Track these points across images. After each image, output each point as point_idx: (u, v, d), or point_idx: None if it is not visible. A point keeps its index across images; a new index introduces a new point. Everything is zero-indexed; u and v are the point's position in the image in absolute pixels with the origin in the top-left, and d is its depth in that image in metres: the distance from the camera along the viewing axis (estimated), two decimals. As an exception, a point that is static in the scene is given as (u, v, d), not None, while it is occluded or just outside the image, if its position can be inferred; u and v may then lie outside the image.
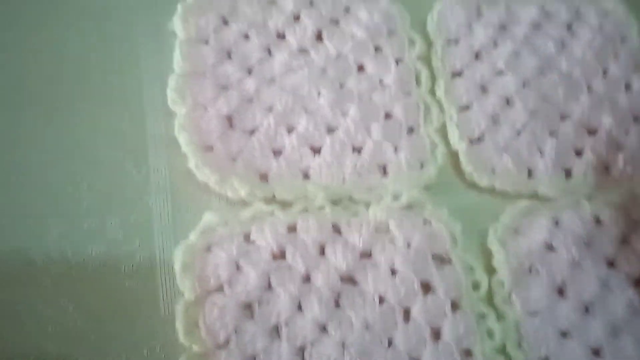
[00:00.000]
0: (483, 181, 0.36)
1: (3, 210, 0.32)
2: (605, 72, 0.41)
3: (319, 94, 0.37)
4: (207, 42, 0.38)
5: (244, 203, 0.33)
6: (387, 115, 0.38)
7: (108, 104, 0.36)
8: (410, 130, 0.37)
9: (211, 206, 0.33)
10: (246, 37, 0.39)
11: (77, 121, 0.35)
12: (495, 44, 0.41)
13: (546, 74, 0.40)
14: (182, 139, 0.34)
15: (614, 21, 0.44)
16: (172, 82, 0.36)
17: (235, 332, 0.30)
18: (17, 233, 0.31)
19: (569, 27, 0.43)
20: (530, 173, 0.37)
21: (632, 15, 0.44)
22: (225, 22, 0.39)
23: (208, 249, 0.32)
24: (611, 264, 0.34)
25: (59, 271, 0.31)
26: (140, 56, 0.38)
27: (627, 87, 0.41)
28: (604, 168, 0.38)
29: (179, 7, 0.38)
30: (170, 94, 0.36)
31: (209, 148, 0.34)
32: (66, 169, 0.33)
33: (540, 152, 0.38)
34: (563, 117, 0.39)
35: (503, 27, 0.42)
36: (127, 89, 0.36)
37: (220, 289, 0.31)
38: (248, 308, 0.31)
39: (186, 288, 0.30)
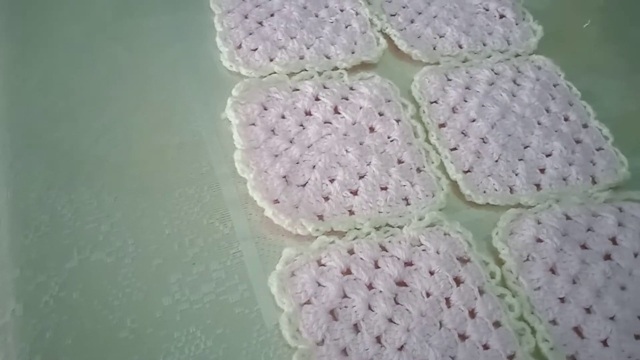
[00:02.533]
0: (479, 200, 0.48)
1: (133, 271, 0.41)
2: (548, 110, 0.55)
3: (347, 151, 0.49)
4: (255, 124, 0.49)
5: (310, 238, 0.44)
6: (400, 161, 0.49)
7: (190, 182, 0.46)
8: (419, 170, 0.49)
9: (285, 244, 0.44)
10: (283, 117, 0.50)
11: (169, 198, 0.45)
12: (465, 100, 0.55)
13: (506, 116, 0.54)
14: (256, 196, 0.44)
15: (546, 72, 0.59)
16: (237, 156, 0.47)
17: (328, 331, 0.39)
18: (146, 286, 0.40)
19: (514, 81, 0.57)
20: (511, 189, 0.49)
21: (558, 67, 0.59)
22: (265, 107, 0.51)
23: (292, 274, 0.41)
24: (584, 246, 0.46)
25: (183, 308, 0.40)
26: (205, 141, 0.48)
27: (566, 118, 0.55)
28: (562, 179, 0.51)
29: (229, 100, 0.50)
30: (238, 164, 0.46)
31: (276, 201, 0.45)
32: (170, 232, 0.43)
33: (515, 174, 0.50)
34: (525, 146, 0.52)
35: (468, 87, 0.56)
36: (201, 168, 0.47)
37: (309, 301, 0.40)
38: (332, 313, 0.40)
39: (285, 304, 0.40)
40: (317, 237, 0.44)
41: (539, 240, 0.46)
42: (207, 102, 0.51)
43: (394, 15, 0.61)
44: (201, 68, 0.54)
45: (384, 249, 0.44)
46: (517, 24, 0.62)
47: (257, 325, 0.40)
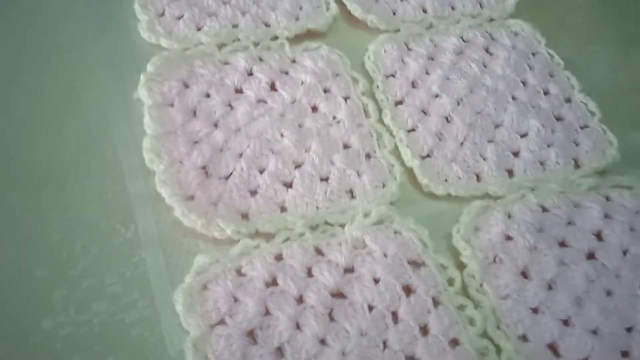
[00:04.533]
0: (439, 190, 0.41)
1: (8, 285, 0.33)
2: (524, 83, 0.47)
3: (282, 135, 0.41)
4: (172, 105, 0.41)
5: (230, 241, 0.36)
6: (346, 146, 0.42)
7: (90, 174, 0.38)
8: (368, 156, 0.41)
9: (201, 249, 0.36)
10: (207, 95, 0.42)
11: (66, 191, 0.37)
12: (427, 72, 0.47)
13: (475, 91, 0.46)
14: (165, 192, 0.37)
15: (524, 39, 0.50)
16: (146, 143, 0.39)
17: (243, 358, 0.32)
18: (23, 305, 0.33)
19: (487, 49, 0.49)
20: (478, 177, 0.42)
21: (539, 33, 0.51)
22: (186, 85, 0.43)
23: (205, 287, 0.34)
24: (563, 244, 0.39)
25: (67, 332, 0.32)
26: (112, 125, 0.41)
27: (546, 92, 0.47)
28: (539, 163, 0.43)
29: (142, 77, 0.42)
30: (147, 154, 0.38)
31: (191, 197, 0.37)
32: (60, 236, 0.35)
33: (484, 158, 0.42)
34: (497, 125, 0.45)
35: (431, 58, 0.48)
36: (105, 157, 0.39)
37: (222, 321, 0.33)
38: (251, 335, 0.33)
39: (191, 326, 0.32)
40: (239, 240, 0.36)
41: (509, 238, 0.38)
42: (118, 80, 0.43)
43: (347, -24, 0.53)
44: (114, 39, 0.46)
45: (320, 252, 0.36)
46: (492, -16, 0.54)
47: (157, 352, 0.32)
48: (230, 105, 0.42)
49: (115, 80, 0.43)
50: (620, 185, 0.42)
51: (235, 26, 0.47)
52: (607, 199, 0.41)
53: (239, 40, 0.46)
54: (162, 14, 0.47)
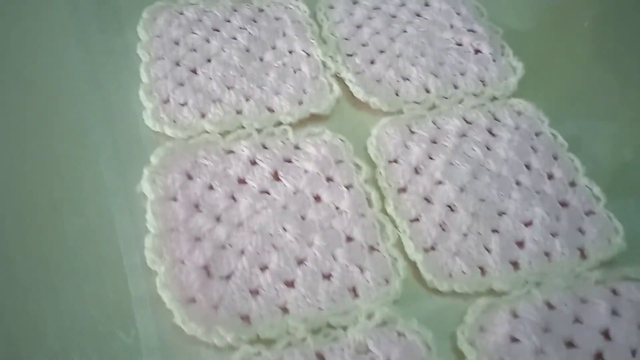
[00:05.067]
0: (443, 286, 0.40)
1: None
2: (528, 167, 0.47)
3: (284, 229, 0.41)
4: (175, 199, 0.42)
5: (231, 347, 0.36)
6: (349, 239, 0.41)
7: (91, 273, 0.38)
8: (371, 249, 0.41)
9: (201, 356, 0.36)
10: (210, 188, 0.43)
11: (63, 293, 0.37)
12: (430, 157, 0.47)
13: (479, 177, 0.46)
14: (166, 296, 0.37)
15: (527, 119, 0.50)
16: (148, 242, 0.39)
17: None
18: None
19: (490, 131, 0.49)
20: (482, 271, 0.41)
21: (542, 111, 0.51)
22: (190, 177, 0.43)
23: (205, 400, 0.34)
24: (570, 344, 0.38)
25: None
26: (115, 221, 0.41)
27: (550, 176, 0.47)
28: (544, 254, 0.42)
29: (145, 170, 0.42)
30: (148, 254, 0.38)
31: (192, 300, 0.37)
32: (56, 342, 0.35)
33: (488, 250, 0.42)
34: (500, 213, 0.44)
35: (434, 141, 0.48)
36: (106, 256, 0.39)
37: None
38: None
39: None
40: (238, 347, 0.36)
41: (515, 340, 0.38)
42: (122, 171, 0.43)
43: (351, 55, 0.53)
44: (119, 127, 0.46)
45: (322, 358, 0.36)
46: (494, 61, 0.54)
47: None
48: (233, 197, 0.42)
49: (118, 171, 0.43)
50: (628, 277, 0.42)
51: (239, 112, 0.47)
52: (614, 292, 0.41)
53: (242, 127, 0.46)
54: (167, 101, 0.47)
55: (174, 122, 0.46)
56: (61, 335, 0.35)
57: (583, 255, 0.43)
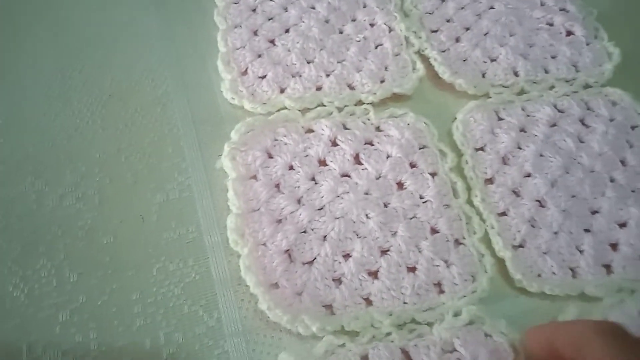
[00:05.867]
0: (532, 287, 0.38)
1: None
2: (623, 162, 0.44)
3: (367, 216, 0.39)
4: (256, 178, 0.40)
5: (314, 336, 0.35)
6: (434, 230, 0.40)
7: (173, 251, 0.37)
8: (457, 242, 0.39)
9: (284, 343, 0.35)
10: (291, 168, 0.41)
11: (146, 272, 0.36)
12: (519, 147, 0.44)
13: (571, 171, 0.43)
14: (250, 280, 0.36)
15: (623, 110, 0.47)
16: (230, 222, 0.38)
17: None
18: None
19: (583, 121, 0.46)
20: (574, 273, 0.39)
21: (639, 102, 0.48)
22: (270, 155, 0.41)
23: (289, 389, 0.33)
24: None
25: None
26: (195, 198, 0.40)
27: (647, 174, 0.44)
28: (639, 258, 0.40)
29: (226, 146, 0.41)
30: (230, 235, 0.37)
31: (275, 285, 0.36)
32: (142, 321, 0.35)
33: (579, 251, 0.40)
34: (593, 211, 0.42)
35: (523, 130, 0.45)
36: (188, 234, 0.38)
37: None
38: None
39: None
40: (323, 337, 0.35)
41: (608, 349, 0.36)
42: (201, 145, 0.42)
43: (435, 31, 0.50)
44: (198, 98, 0.44)
45: (407, 355, 0.35)
46: (588, 44, 0.51)
47: None
48: (314, 179, 0.41)
49: (197, 145, 0.42)
50: None
51: (319, 88, 0.45)
52: None
53: (323, 105, 0.44)
54: (245, 73, 0.45)
55: (252, 95, 0.44)
56: (147, 315, 0.35)
57: (682, 260, 0.40)
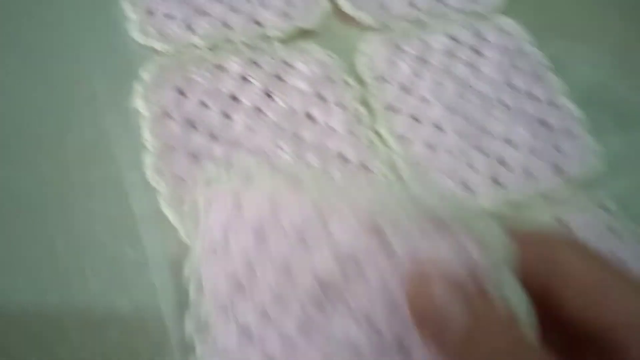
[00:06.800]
0: (431, 202, 0.43)
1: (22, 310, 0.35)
2: (512, 87, 0.49)
3: (280, 148, 0.42)
4: (170, 116, 0.41)
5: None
6: (341, 157, 0.43)
7: (94, 192, 0.39)
8: (363, 167, 0.43)
9: (207, 268, 0.38)
10: (204, 105, 0.42)
11: (69, 213, 0.38)
12: (418, 76, 0.47)
13: (465, 96, 0.47)
14: (170, 214, 0.38)
15: (512, 38, 0.51)
16: (148, 160, 0.39)
17: None
18: (38, 332, 0.34)
19: (476, 50, 0.50)
20: (467, 188, 0.44)
21: (527, 31, 0.52)
22: (182, 93, 0.43)
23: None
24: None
25: (81, 358, 0.34)
26: (112, 139, 0.41)
27: (532, 96, 0.49)
28: (525, 173, 0.45)
29: (138, 86, 0.42)
30: (149, 172, 0.39)
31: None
32: (68, 259, 0.36)
33: (472, 168, 0.44)
34: (485, 132, 0.46)
35: (422, 59, 0.48)
36: (107, 174, 0.39)
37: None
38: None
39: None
40: (243, 259, 0.38)
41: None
42: (113, 87, 0.42)
43: (337, -34, 0.52)
44: (108, 41, 0.44)
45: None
46: (483, -25, 0.54)
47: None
48: (227, 115, 0.43)
49: (110, 88, 0.42)
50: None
51: (226, 25, 0.46)
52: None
53: (231, 41, 0.45)
54: (152, 13, 0.45)
55: (161, 35, 0.45)
56: (72, 253, 0.36)
57: (561, 173, 0.46)
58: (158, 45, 0.44)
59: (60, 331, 0.34)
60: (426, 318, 0.19)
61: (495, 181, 0.44)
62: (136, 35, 0.44)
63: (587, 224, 0.42)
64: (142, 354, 0.35)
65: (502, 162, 0.45)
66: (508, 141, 0.46)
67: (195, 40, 0.45)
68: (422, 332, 0.20)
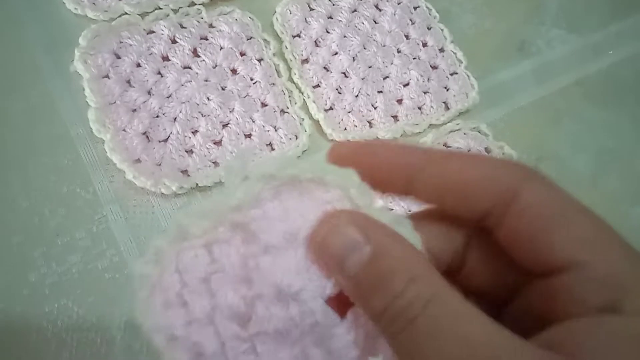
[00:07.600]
0: (340, 138, 0.50)
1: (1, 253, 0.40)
2: (407, 37, 0.57)
3: (208, 99, 0.48)
4: (108, 77, 0.47)
5: (176, 195, 0.45)
6: (263, 104, 0.50)
7: (44, 147, 0.44)
8: (282, 112, 0.50)
9: (153, 202, 0.44)
10: (138, 65, 0.48)
11: (25, 166, 0.43)
12: (327, 31, 0.55)
13: (367, 47, 0.55)
14: (115, 158, 0.44)
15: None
16: (91, 115, 0.45)
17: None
18: (9, 266, 0.40)
19: (377, 6, 0.58)
20: (370, 124, 0.52)
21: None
22: (118, 56, 0.48)
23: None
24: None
25: (51, 281, 0.40)
26: (56, 99, 0.46)
27: (424, 44, 0.57)
28: (417, 108, 0.54)
29: (76, 51, 0.47)
30: (93, 125, 0.45)
31: (138, 160, 0.45)
32: (27, 203, 0.42)
33: (374, 107, 0.53)
34: (385, 77, 0.54)
35: (330, 17, 0.56)
36: (54, 131, 0.45)
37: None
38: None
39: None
40: (182, 194, 0.45)
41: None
42: (54, 54, 0.47)
43: None
44: (44, 13, 0.49)
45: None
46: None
47: (127, 290, 0.41)
48: (160, 73, 0.48)
49: (50, 54, 0.47)
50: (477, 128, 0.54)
51: (154, -7, 0.52)
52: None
53: (159, 8, 0.51)
54: (83, -16, 0.50)
55: (94, 4, 0.50)
56: (30, 197, 0.42)
57: (447, 107, 0.55)
58: (92, 14, 0.49)
59: (30, 262, 0.40)
60: (328, 247, 0.19)
61: (393, 116, 0.53)
62: (70, 6, 0.49)
63: (467, 146, 0.51)
64: (104, 274, 0.41)
65: (399, 101, 0.53)
66: (404, 83, 0.54)
67: (126, 7, 0.50)
68: (321, 264, 0.20)
